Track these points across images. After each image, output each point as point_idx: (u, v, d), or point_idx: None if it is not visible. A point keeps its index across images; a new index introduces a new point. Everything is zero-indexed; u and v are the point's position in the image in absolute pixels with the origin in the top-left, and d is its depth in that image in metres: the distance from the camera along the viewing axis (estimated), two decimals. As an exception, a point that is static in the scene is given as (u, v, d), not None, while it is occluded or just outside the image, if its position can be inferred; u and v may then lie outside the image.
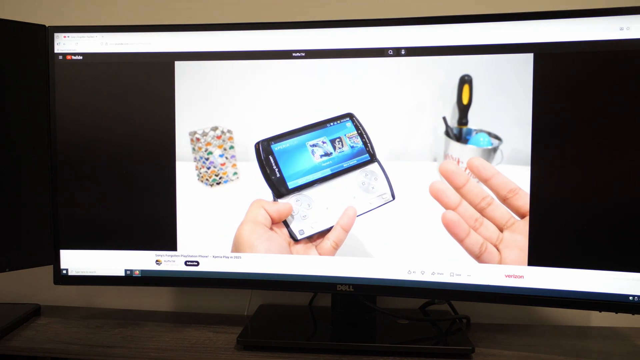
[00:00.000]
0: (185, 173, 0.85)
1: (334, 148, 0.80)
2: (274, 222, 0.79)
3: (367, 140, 0.80)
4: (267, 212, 0.78)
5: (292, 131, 0.81)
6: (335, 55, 0.80)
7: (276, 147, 0.80)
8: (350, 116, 0.80)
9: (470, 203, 0.77)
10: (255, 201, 0.79)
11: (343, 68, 0.80)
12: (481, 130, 0.78)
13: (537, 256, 0.76)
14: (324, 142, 0.80)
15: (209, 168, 0.84)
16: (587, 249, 0.75)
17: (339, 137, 0.80)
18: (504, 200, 0.76)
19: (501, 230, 0.77)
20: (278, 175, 0.79)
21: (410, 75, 0.79)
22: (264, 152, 0.79)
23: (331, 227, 0.79)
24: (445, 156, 0.79)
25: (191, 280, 0.86)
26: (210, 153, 0.84)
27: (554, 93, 0.75)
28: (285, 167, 0.79)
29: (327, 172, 0.80)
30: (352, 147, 0.80)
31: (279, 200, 0.79)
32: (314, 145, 0.80)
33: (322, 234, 0.80)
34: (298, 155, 0.80)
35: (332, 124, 0.81)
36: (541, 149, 0.75)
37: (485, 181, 0.77)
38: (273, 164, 0.79)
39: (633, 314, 0.74)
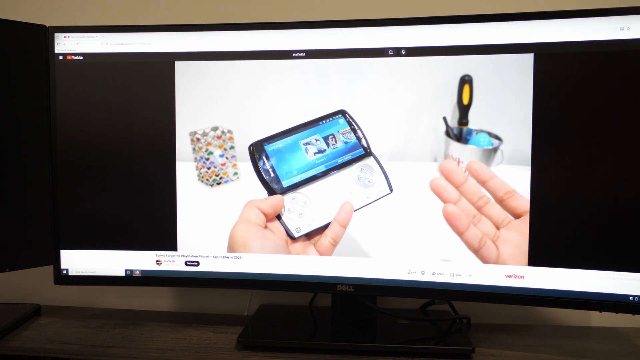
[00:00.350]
0: (185, 173, 0.85)
1: (328, 145, 0.80)
2: (268, 218, 0.79)
3: (360, 135, 0.80)
4: (261, 210, 0.78)
5: (285, 131, 0.81)
6: (336, 56, 0.80)
7: (269, 148, 0.80)
8: (342, 113, 0.81)
9: (468, 201, 0.78)
10: (249, 202, 0.79)
11: (343, 68, 0.80)
12: (481, 131, 0.78)
13: (538, 256, 0.76)
14: (317, 140, 0.80)
15: (209, 168, 0.84)
16: (587, 249, 0.75)
17: (332, 134, 0.80)
18: (501, 201, 0.77)
19: (497, 228, 0.78)
20: (272, 174, 0.79)
21: (410, 75, 0.79)
22: (257, 153, 0.80)
23: (328, 224, 0.80)
24: (446, 156, 0.79)
25: (191, 281, 0.86)
26: (211, 153, 0.84)
27: (554, 93, 0.75)
28: (279, 166, 0.79)
29: (322, 168, 0.80)
30: (345, 142, 0.80)
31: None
32: (307, 144, 0.80)
33: (320, 231, 0.80)
34: (291, 154, 0.80)
35: (324, 121, 0.81)
36: (541, 149, 0.75)
37: (483, 183, 0.78)
38: (267, 164, 0.79)
39: (633, 314, 0.74)
